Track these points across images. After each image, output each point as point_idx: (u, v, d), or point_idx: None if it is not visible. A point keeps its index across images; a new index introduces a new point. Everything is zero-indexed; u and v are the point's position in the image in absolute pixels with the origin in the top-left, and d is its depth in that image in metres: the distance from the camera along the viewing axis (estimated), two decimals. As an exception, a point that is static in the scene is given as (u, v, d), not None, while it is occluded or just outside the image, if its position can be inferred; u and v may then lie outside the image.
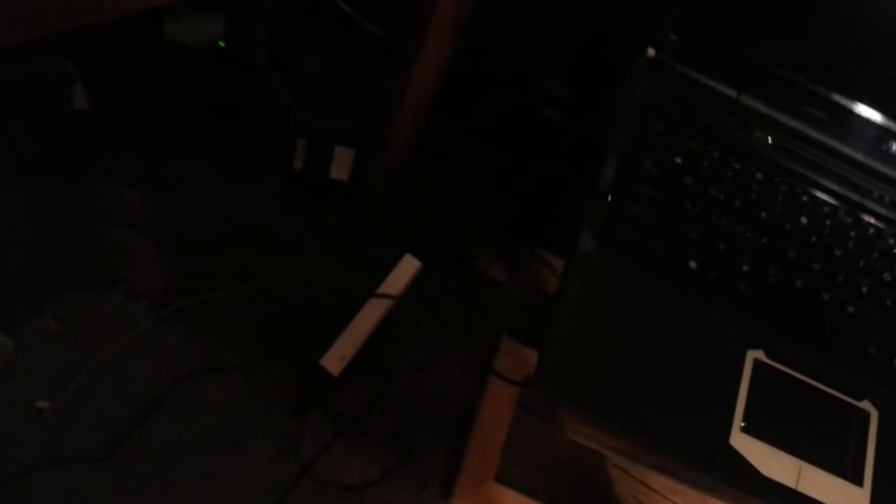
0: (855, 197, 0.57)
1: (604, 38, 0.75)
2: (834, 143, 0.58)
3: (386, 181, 0.79)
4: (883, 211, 0.58)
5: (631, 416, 0.46)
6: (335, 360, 0.74)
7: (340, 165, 0.88)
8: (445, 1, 0.56)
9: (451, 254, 0.85)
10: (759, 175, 0.56)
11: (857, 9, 0.55)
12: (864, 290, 0.54)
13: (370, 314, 0.78)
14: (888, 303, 0.54)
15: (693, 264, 0.52)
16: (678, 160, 0.55)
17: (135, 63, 0.89)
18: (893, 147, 0.58)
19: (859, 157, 0.58)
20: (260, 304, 0.77)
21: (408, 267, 0.81)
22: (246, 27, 0.94)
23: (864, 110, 0.58)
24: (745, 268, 0.52)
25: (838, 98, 0.57)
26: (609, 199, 0.53)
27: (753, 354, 0.50)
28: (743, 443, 0.47)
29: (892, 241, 0.56)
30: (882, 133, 0.58)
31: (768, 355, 0.50)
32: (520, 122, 0.87)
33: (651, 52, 0.57)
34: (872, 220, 0.56)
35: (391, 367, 0.77)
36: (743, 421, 0.47)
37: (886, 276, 0.55)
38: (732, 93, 0.58)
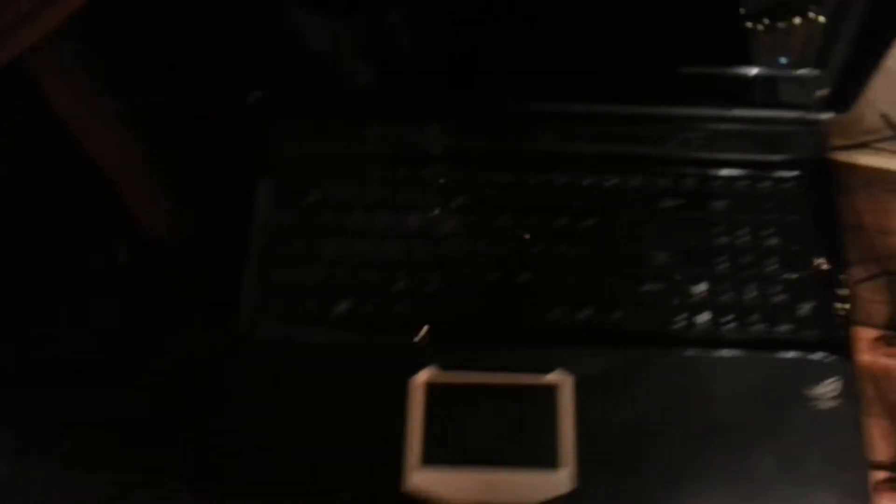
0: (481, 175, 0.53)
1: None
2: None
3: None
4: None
5: (307, 490, 0.46)
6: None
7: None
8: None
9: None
10: (403, 174, 0.53)
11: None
12: (535, 250, 0.51)
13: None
14: (565, 250, 0.51)
15: (344, 306, 0.50)
16: (312, 198, 0.52)
17: None
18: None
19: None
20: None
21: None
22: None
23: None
24: (400, 285, 0.50)
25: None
26: (255, 274, 0.51)
27: (423, 377, 0.48)
28: (423, 477, 0.45)
29: (548, 185, 0.53)
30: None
31: (439, 370, 0.48)
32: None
33: (256, 94, 0.53)
34: (505, 179, 0.53)
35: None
36: (421, 454, 0.46)
37: (561, 221, 0.52)
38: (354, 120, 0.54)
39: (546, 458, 0.46)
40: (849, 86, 0.51)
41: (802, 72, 0.52)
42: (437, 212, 0.52)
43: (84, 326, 0.79)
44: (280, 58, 0.52)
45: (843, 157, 0.85)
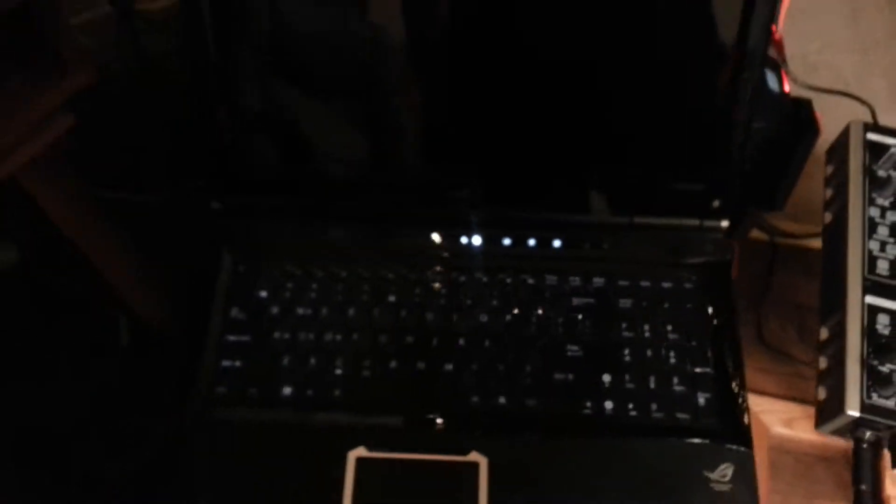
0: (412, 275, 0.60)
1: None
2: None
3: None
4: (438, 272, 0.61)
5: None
6: None
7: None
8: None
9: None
10: (343, 273, 0.60)
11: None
12: (461, 342, 0.57)
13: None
14: (486, 343, 0.57)
15: (287, 390, 0.56)
16: (263, 294, 0.59)
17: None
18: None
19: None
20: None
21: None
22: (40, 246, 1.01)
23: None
24: (338, 371, 0.56)
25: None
26: (212, 362, 0.57)
27: (355, 454, 0.53)
28: (353, 547, 0.50)
29: (472, 284, 0.59)
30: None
31: (369, 449, 0.53)
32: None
33: (216, 204, 0.61)
34: (433, 278, 0.60)
35: None
36: (351, 526, 0.51)
37: (482, 318, 0.58)
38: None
39: (461, 532, 0.51)
40: (733, 197, 0.58)
41: (700, 185, 0.59)
42: (371, 308, 0.58)
43: (81, 402, 0.85)
44: (236, 177, 0.60)
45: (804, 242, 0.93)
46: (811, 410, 0.72)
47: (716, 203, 0.59)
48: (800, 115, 0.67)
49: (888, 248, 0.58)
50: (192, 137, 0.63)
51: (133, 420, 0.78)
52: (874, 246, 0.59)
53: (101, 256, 0.76)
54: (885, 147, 0.61)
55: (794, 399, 0.77)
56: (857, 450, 0.55)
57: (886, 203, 0.60)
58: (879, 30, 1.17)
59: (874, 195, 0.60)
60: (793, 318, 0.80)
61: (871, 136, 0.63)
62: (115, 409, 0.82)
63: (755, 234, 1.02)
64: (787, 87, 0.69)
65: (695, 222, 0.60)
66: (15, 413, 0.88)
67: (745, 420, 0.55)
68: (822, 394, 0.57)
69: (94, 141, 0.75)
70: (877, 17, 1.18)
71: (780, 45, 0.73)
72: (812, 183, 0.72)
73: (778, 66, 0.69)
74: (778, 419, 0.96)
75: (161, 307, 0.83)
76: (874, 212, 0.60)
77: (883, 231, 0.59)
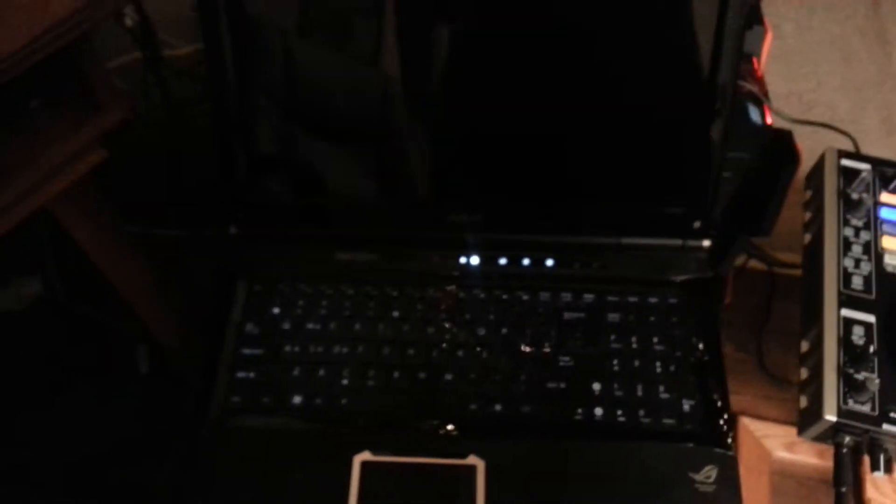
0: (415, 292, 0.64)
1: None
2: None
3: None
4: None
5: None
6: None
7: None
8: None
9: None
10: (350, 292, 0.64)
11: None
12: (460, 353, 0.61)
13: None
14: (484, 355, 0.61)
15: (297, 399, 0.60)
16: (276, 311, 0.64)
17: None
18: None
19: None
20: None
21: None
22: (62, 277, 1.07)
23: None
24: (345, 381, 0.60)
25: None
26: (226, 374, 0.61)
27: (360, 458, 0.57)
28: (357, 544, 0.54)
29: (470, 300, 0.64)
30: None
31: (374, 453, 0.57)
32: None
33: (233, 229, 0.66)
34: (434, 295, 0.64)
35: None
36: (356, 524, 0.54)
37: (480, 331, 0.62)
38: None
39: (460, 530, 0.54)
40: (711, 218, 0.63)
41: (681, 208, 0.64)
42: (376, 323, 0.63)
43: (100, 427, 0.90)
44: (253, 204, 0.65)
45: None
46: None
47: (696, 224, 0.63)
48: (781, 146, 0.72)
49: (862, 264, 0.62)
50: (214, 175, 0.69)
51: (154, 438, 0.83)
52: (849, 263, 0.62)
53: (127, 286, 0.81)
54: (857, 172, 0.66)
55: (795, 424, 0.80)
56: (837, 454, 0.58)
57: (860, 223, 0.64)
58: (872, 70, 1.22)
59: (848, 216, 0.64)
60: (793, 345, 0.83)
61: (845, 162, 0.67)
62: (137, 428, 0.87)
63: (754, 264, 1.05)
64: (769, 120, 0.74)
65: (677, 242, 0.64)
66: (37, 437, 0.92)
67: (728, 425, 0.58)
68: (803, 402, 0.60)
69: (123, 179, 0.81)
70: (868, 58, 1.23)
71: (761, 81, 0.77)
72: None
73: (760, 101, 0.74)
74: (780, 444, 0.98)
75: (180, 336, 0.88)
76: (848, 231, 0.64)
77: (857, 249, 0.63)
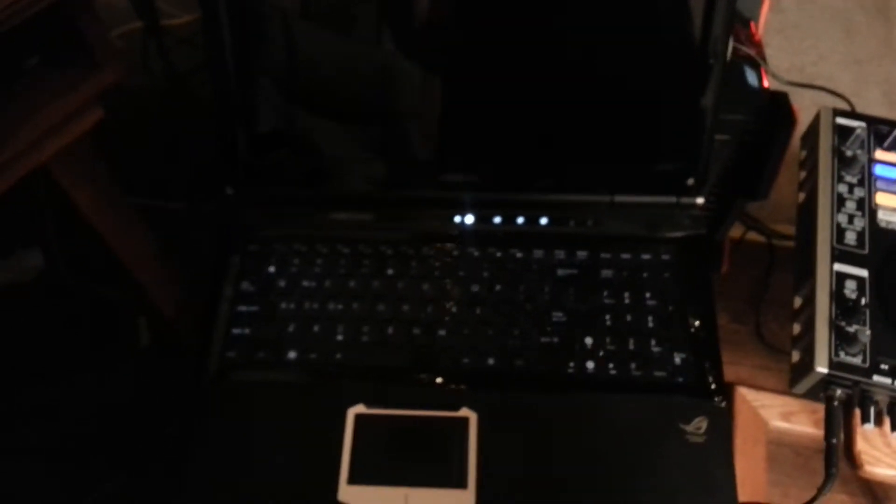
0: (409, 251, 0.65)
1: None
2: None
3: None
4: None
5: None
6: None
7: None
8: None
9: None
10: (346, 250, 0.65)
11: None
12: (454, 309, 0.62)
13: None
14: (477, 311, 0.61)
15: (293, 354, 0.60)
16: (271, 269, 0.64)
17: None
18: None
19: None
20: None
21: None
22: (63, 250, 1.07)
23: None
24: (340, 337, 0.61)
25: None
26: (223, 330, 0.62)
27: (354, 410, 0.57)
28: (350, 494, 0.54)
29: (464, 258, 0.64)
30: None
31: (368, 406, 0.57)
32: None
33: (230, 190, 0.66)
34: (428, 253, 0.64)
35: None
36: (349, 473, 0.55)
37: (474, 287, 0.62)
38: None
39: (458, 479, 0.54)
40: (706, 176, 0.63)
41: (675, 165, 0.64)
42: (371, 280, 0.63)
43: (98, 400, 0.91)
44: (250, 167, 0.66)
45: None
46: (810, 405, 0.74)
47: (690, 181, 0.63)
48: (777, 108, 0.71)
49: (855, 220, 0.62)
50: (215, 143, 0.69)
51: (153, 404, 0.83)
52: (842, 219, 0.62)
53: (127, 253, 0.81)
54: (852, 129, 0.65)
55: (792, 394, 0.81)
56: (828, 407, 0.58)
57: (854, 180, 0.64)
58: (873, 44, 1.22)
59: (842, 173, 0.64)
60: (790, 316, 0.84)
61: (840, 121, 0.67)
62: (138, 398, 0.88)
63: (753, 236, 1.05)
64: (766, 83, 0.74)
65: (671, 199, 0.64)
66: (43, 408, 0.93)
67: (719, 377, 0.58)
68: (795, 357, 0.60)
69: (124, 149, 0.82)
70: (870, 31, 1.23)
71: (759, 45, 0.77)
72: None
73: (758, 64, 0.74)
74: (777, 413, 0.99)
75: (181, 305, 0.88)
76: (842, 188, 0.64)
77: (851, 205, 0.63)
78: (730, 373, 1.01)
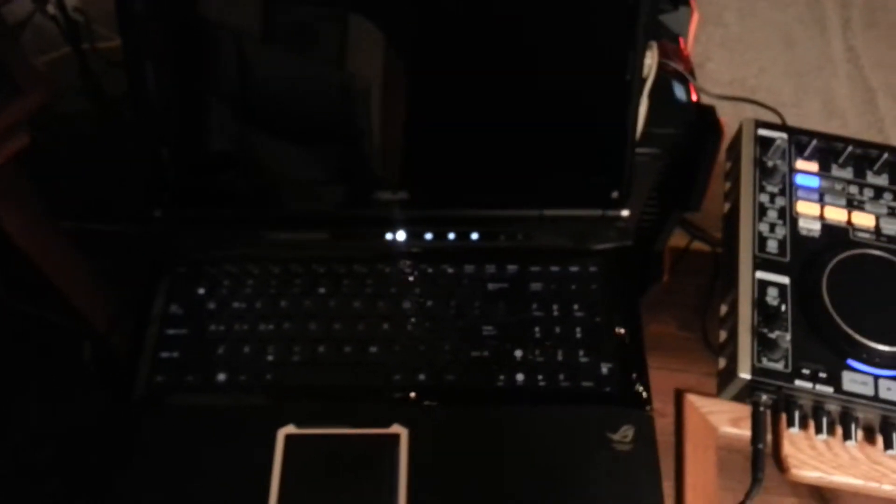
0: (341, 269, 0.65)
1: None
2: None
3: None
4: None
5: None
6: None
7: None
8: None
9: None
10: (276, 270, 0.65)
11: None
12: (385, 326, 0.62)
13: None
14: (408, 327, 0.62)
15: (222, 377, 0.60)
16: (201, 291, 0.64)
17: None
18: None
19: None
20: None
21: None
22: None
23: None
24: (270, 358, 0.60)
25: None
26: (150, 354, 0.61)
27: (284, 431, 0.57)
28: (280, 518, 0.54)
29: (396, 274, 0.64)
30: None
31: (298, 426, 0.57)
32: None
33: (157, 213, 0.66)
34: (359, 271, 0.65)
35: None
36: (278, 497, 0.54)
37: (406, 304, 0.63)
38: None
39: (388, 496, 0.54)
40: (630, 189, 0.64)
41: (600, 179, 0.65)
42: (302, 300, 0.63)
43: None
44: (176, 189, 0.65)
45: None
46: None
47: (615, 194, 0.64)
48: (705, 120, 0.73)
49: (777, 229, 0.63)
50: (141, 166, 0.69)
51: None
52: (764, 228, 0.64)
53: (61, 277, 0.81)
54: (773, 140, 0.67)
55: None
56: (754, 412, 0.59)
57: (776, 189, 0.65)
58: (812, 56, 1.25)
59: (764, 183, 0.66)
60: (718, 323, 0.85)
61: (762, 132, 0.68)
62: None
63: (698, 245, 1.07)
64: (694, 97, 0.76)
65: (597, 213, 0.65)
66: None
67: (646, 386, 0.59)
68: (721, 363, 0.61)
69: (55, 175, 0.81)
70: (809, 44, 1.26)
71: (687, 60, 0.79)
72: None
73: (685, 79, 0.75)
74: (726, 419, 1.00)
75: (117, 326, 0.87)
76: (764, 198, 0.65)
77: (772, 214, 0.64)
78: (679, 380, 1.02)
